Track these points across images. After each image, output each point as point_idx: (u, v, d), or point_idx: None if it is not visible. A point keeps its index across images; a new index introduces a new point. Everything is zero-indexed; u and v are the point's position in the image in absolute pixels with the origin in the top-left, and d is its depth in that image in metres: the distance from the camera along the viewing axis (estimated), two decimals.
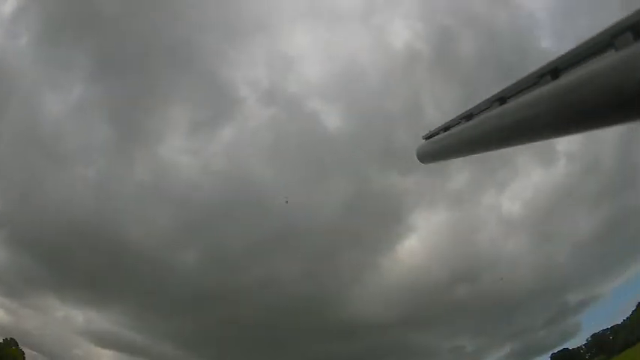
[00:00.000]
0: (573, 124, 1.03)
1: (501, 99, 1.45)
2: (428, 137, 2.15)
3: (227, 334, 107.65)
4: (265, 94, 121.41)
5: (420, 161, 2.25)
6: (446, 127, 1.89)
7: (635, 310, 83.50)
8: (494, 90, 1.54)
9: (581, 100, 0.96)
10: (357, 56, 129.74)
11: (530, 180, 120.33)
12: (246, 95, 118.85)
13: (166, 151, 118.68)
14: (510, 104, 1.33)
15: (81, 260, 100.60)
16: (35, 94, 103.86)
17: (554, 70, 1.19)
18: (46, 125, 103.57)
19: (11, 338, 78.57)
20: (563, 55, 1.18)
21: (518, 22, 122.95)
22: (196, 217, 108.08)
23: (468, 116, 1.67)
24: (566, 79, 1.08)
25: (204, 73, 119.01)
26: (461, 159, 1.91)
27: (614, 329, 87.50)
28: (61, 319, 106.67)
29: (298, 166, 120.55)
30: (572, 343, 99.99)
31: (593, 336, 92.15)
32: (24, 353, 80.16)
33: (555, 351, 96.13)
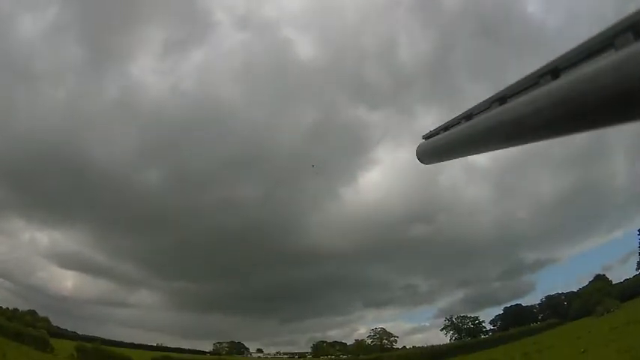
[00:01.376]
0: (573, 124, 1.03)
1: (501, 99, 1.44)
2: (428, 137, 2.15)
3: (186, 256, 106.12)
4: (240, 19, 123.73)
5: (420, 161, 2.25)
6: (446, 127, 1.88)
7: (593, 281, 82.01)
8: (492, 88, 1.53)
9: (581, 100, 0.96)
10: None
11: None
12: (220, 19, 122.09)
13: (137, 71, 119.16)
14: (510, 104, 1.33)
15: (47, 180, 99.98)
16: (9, 14, 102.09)
17: (554, 70, 1.19)
18: (17, 45, 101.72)
19: None
20: (563, 55, 1.17)
21: None
22: (162, 137, 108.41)
23: (468, 116, 1.67)
24: (566, 79, 1.07)
25: None
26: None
27: (569, 296, 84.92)
28: (27, 241, 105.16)
29: (267, 90, 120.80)
30: (526, 301, 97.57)
31: (548, 297, 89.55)
32: None
33: (509, 305, 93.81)
